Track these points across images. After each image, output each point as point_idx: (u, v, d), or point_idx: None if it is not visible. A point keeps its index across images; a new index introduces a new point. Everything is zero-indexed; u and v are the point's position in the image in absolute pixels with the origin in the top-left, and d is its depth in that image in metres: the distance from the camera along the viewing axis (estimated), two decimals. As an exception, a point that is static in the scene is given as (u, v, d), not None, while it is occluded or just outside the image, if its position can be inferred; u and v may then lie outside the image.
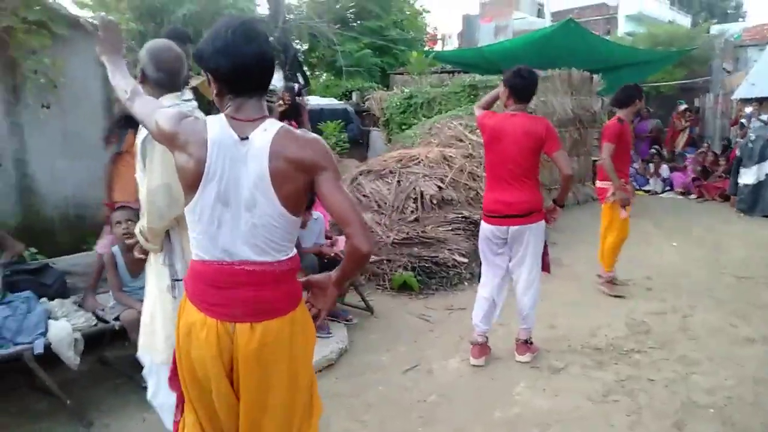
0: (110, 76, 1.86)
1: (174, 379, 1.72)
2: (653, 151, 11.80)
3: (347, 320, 4.12)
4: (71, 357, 2.74)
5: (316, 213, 4.22)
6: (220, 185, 1.51)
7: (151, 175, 2.08)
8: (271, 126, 1.53)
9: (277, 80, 14.81)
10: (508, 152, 3.28)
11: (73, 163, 4.62)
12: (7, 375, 3.07)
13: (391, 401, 3.12)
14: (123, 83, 1.80)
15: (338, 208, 1.52)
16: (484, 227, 3.45)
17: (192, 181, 1.52)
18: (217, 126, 1.52)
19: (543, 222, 3.38)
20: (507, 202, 3.30)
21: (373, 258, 4.81)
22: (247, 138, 1.50)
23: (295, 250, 1.63)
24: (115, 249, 3.21)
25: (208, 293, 1.56)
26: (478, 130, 7.38)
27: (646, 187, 10.55)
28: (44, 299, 3.06)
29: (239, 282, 1.54)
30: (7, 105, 4.25)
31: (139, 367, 2.96)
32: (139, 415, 2.92)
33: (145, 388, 3.05)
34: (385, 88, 13.30)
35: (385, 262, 5.19)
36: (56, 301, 3.10)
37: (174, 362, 1.69)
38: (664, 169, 10.48)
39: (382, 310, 4.52)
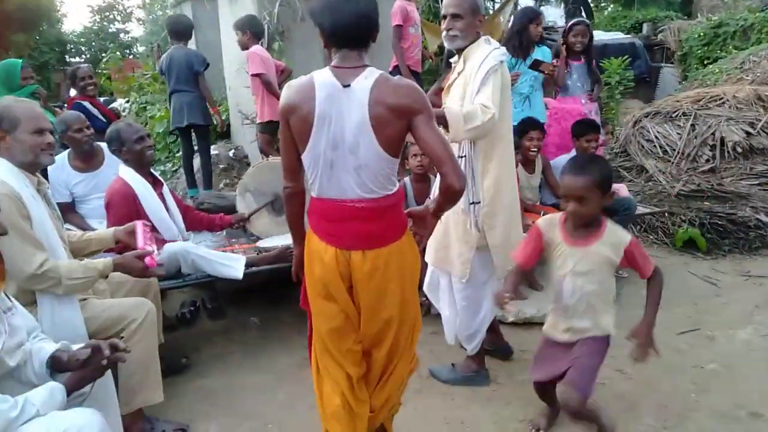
0: None
1: (304, 300, 1.92)
2: None
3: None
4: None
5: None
6: (329, 130, 1.64)
7: (494, 91, 2.21)
8: (371, 74, 1.63)
9: (558, 16, 14.08)
10: None
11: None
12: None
13: (660, 361, 2.93)
14: None
15: (432, 149, 1.64)
16: None
17: (305, 130, 1.67)
18: (322, 77, 1.66)
19: None
20: None
21: (649, 210, 4.43)
22: (349, 85, 1.62)
23: (397, 185, 1.77)
24: (406, 180, 3.61)
25: (326, 226, 1.76)
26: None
27: None
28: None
29: (351, 216, 1.72)
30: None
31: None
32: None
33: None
34: (686, 17, 11.46)
35: (666, 215, 4.70)
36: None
37: (304, 285, 1.90)
38: None
39: (660, 266, 4.15)
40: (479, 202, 2.34)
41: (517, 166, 3.71)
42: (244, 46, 4.22)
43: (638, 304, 3.52)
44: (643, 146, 5.66)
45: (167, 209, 3.12)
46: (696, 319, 3.35)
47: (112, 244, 2.48)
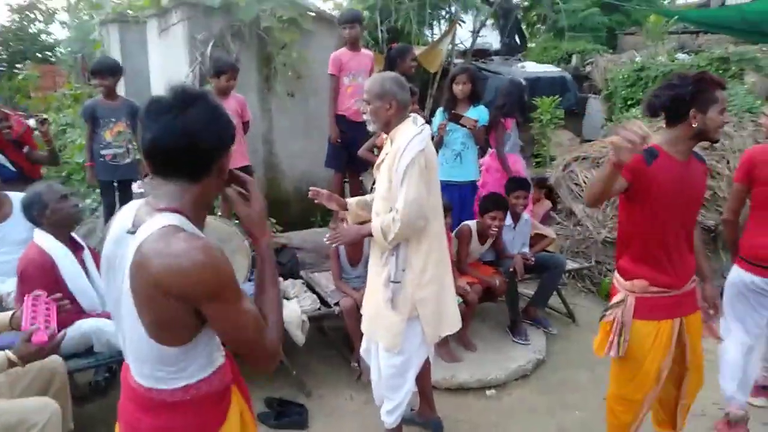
0: None
1: None
2: None
3: (547, 329, 4.02)
4: (299, 336, 3.18)
5: (525, 214, 4.12)
6: (113, 279, 1.29)
7: (409, 189, 2.27)
8: (157, 221, 1.19)
9: (496, 41, 14.48)
10: None
11: (308, 143, 5.19)
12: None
13: (588, 430, 3.01)
14: None
15: (230, 341, 1.30)
16: (752, 278, 2.75)
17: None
18: (128, 210, 1.31)
19: None
20: None
21: (578, 265, 4.58)
22: (134, 231, 1.21)
23: (193, 378, 1.32)
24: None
25: (121, 401, 1.42)
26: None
27: None
28: (280, 278, 3.55)
29: (127, 395, 1.38)
30: (261, 93, 4.91)
31: (350, 343, 3.31)
32: (348, 392, 3.30)
33: (353, 368, 3.43)
34: (612, 51, 12.08)
35: (594, 264, 4.88)
36: (289, 281, 3.59)
37: None
38: None
39: (585, 319, 4.31)
40: (399, 282, 2.39)
41: (471, 235, 3.75)
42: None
43: (568, 363, 3.64)
44: (572, 190, 5.86)
45: (88, 275, 2.90)
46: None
47: (8, 328, 2.24)
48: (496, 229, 3.68)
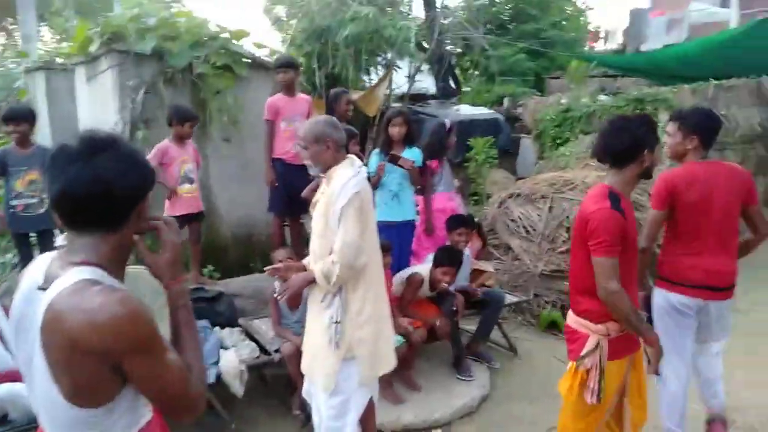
0: None
1: None
2: None
3: (490, 364, 4.05)
4: (238, 387, 3.07)
5: (466, 251, 4.20)
6: (24, 341, 1.20)
7: (346, 230, 2.32)
8: (71, 276, 1.13)
9: (431, 84, 15.02)
10: (717, 208, 2.66)
11: (246, 189, 5.14)
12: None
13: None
14: None
15: (153, 397, 1.22)
16: (672, 298, 2.75)
17: None
18: (39, 264, 1.25)
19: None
20: (711, 271, 2.68)
21: (517, 298, 4.68)
22: (46, 288, 1.15)
23: None
24: (277, 284, 3.50)
25: None
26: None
27: None
28: (217, 327, 3.45)
29: None
30: (197, 139, 4.85)
31: (293, 391, 3.22)
32: (290, 443, 3.18)
33: (294, 415, 3.33)
34: (540, 93, 12.79)
35: (532, 297, 5.00)
36: (227, 330, 3.48)
37: None
38: None
39: (527, 351, 4.39)
40: (339, 322, 2.40)
41: (421, 284, 3.76)
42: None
43: (511, 396, 3.67)
44: (508, 226, 6.04)
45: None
46: (562, 413, 3.50)
47: None
48: (447, 284, 3.71)
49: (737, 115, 7.66)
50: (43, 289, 1.15)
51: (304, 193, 4.06)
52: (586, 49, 17.14)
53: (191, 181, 4.31)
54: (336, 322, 2.40)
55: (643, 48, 14.18)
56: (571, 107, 8.57)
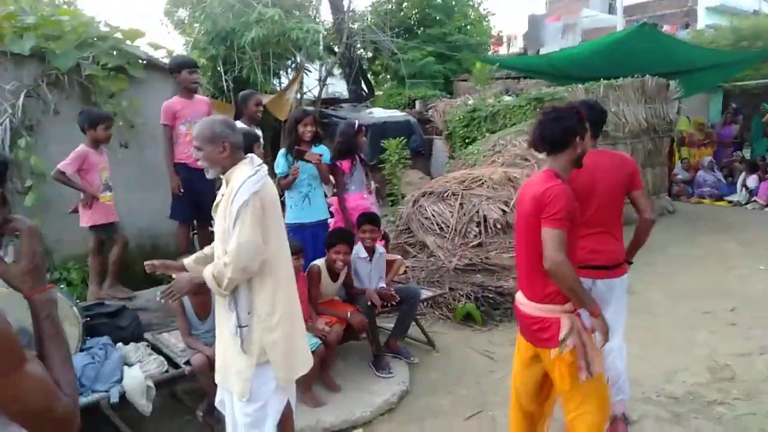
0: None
1: None
2: (737, 155, 11.06)
3: (409, 359, 4.09)
4: (144, 404, 2.87)
5: (380, 247, 4.21)
6: None
7: (242, 231, 2.22)
8: None
9: (344, 89, 15.03)
10: (599, 193, 2.84)
11: (148, 196, 4.86)
12: (85, 416, 3.26)
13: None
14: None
15: (21, 417, 1.07)
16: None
17: None
18: None
19: (626, 276, 3.00)
20: (596, 251, 2.83)
21: (432, 293, 4.76)
22: None
23: None
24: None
25: None
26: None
27: (730, 198, 9.86)
28: (120, 344, 3.22)
29: None
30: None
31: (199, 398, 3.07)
32: (207, 457, 3.03)
33: (198, 417, 3.20)
34: (449, 95, 13.17)
35: (447, 291, 5.11)
36: (131, 346, 3.26)
37: None
38: (753, 179, 9.71)
39: (444, 344, 4.47)
40: (246, 326, 2.33)
41: (320, 273, 3.70)
42: None
43: (430, 389, 3.71)
44: (422, 223, 6.15)
45: None
46: (480, 400, 3.59)
47: None
48: (342, 263, 3.70)
49: (626, 111, 8.28)
50: None
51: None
52: (490, 52, 17.88)
53: (110, 189, 4.11)
54: (240, 326, 2.32)
55: (542, 51, 15.04)
56: (478, 107, 8.88)
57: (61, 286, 4.17)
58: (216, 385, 3.13)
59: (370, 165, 4.91)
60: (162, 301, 2.56)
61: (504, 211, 5.77)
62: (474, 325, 4.83)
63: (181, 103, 4.25)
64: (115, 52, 4.45)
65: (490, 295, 5.03)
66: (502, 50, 20.98)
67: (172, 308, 3.32)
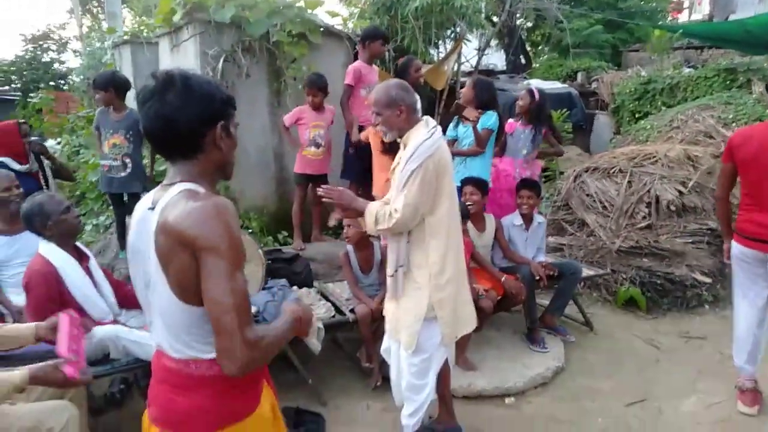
0: None
1: None
2: None
3: (565, 337, 3.94)
4: (315, 344, 3.10)
5: (539, 216, 4.07)
6: (141, 263, 1.33)
7: (410, 192, 2.30)
8: (175, 188, 1.28)
9: (500, 60, 14.62)
10: None
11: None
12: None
13: (612, 438, 2.93)
14: None
15: (210, 308, 1.21)
16: (741, 249, 3.00)
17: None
18: (145, 198, 1.38)
19: None
20: (765, 225, 2.85)
21: (594, 272, 4.49)
22: (153, 207, 1.28)
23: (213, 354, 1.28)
24: (349, 248, 3.53)
25: (152, 385, 1.41)
26: (734, 124, 6.35)
27: None
28: (294, 287, 3.53)
29: (161, 377, 1.37)
30: (271, 107, 4.95)
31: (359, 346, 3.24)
32: (364, 402, 3.23)
33: (365, 367, 3.39)
34: (617, 68, 12.13)
35: (609, 272, 4.81)
36: (304, 290, 3.56)
37: None
38: None
39: (603, 328, 4.23)
40: (403, 266, 2.43)
41: (465, 223, 3.70)
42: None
43: (587, 371, 3.56)
44: (583, 201, 5.81)
45: (95, 284, 2.88)
46: (644, 389, 3.37)
47: (33, 341, 2.22)
48: (471, 204, 3.65)
49: None
50: (151, 209, 1.29)
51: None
52: (668, 20, 16.10)
53: (318, 146, 4.49)
54: (399, 265, 2.42)
55: (732, 18, 13.14)
56: (653, 79, 8.09)
57: (249, 230, 4.66)
58: (373, 335, 3.36)
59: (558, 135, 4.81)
60: (320, 193, 2.46)
61: (680, 192, 5.24)
62: (638, 311, 4.50)
63: (366, 69, 4.49)
64: (298, 20, 4.77)
65: (658, 281, 4.65)
66: (682, 18, 18.76)
67: (340, 260, 3.54)
